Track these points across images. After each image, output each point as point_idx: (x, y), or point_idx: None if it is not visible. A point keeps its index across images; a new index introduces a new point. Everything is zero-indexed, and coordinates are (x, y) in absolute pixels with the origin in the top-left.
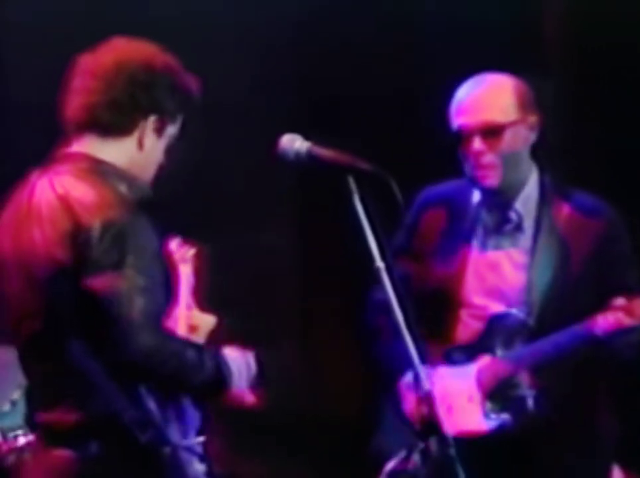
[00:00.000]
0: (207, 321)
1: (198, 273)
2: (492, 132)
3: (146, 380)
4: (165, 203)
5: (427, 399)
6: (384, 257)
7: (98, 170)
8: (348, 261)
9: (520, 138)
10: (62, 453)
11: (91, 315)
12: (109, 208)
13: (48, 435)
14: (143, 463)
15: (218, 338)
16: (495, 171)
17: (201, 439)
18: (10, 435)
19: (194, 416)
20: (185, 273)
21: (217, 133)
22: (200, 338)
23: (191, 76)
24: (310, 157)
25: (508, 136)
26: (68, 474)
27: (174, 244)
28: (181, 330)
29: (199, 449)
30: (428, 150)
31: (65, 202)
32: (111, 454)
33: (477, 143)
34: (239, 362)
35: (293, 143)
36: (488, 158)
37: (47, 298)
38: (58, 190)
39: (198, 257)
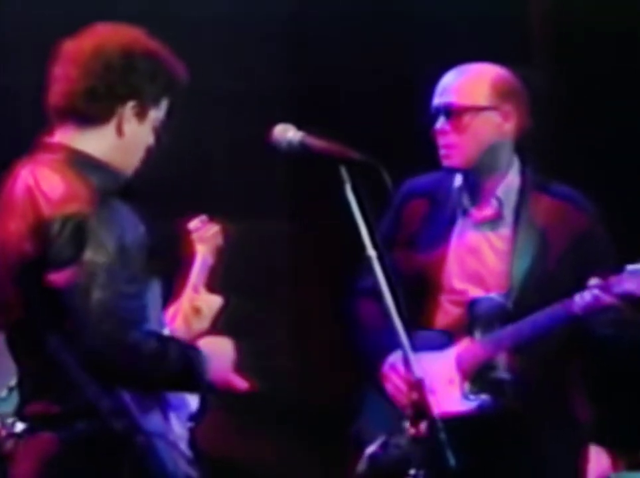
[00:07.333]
0: (213, 302)
1: (218, 252)
2: (454, 113)
3: (108, 372)
4: (156, 191)
5: (417, 385)
6: (375, 245)
7: (73, 161)
8: (341, 249)
9: (490, 124)
10: (48, 437)
11: (57, 308)
12: (72, 202)
13: (34, 424)
14: (121, 450)
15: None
16: (457, 151)
17: (189, 425)
18: (8, 421)
19: (185, 403)
20: (201, 253)
21: (210, 120)
22: (203, 319)
23: (177, 60)
24: (302, 146)
25: (472, 119)
26: (54, 457)
27: (195, 223)
28: (184, 311)
29: (183, 436)
30: (421, 140)
31: (32, 194)
32: (93, 439)
33: (440, 123)
34: (215, 350)
35: (286, 132)
36: (450, 138)
37: (21, 291)
38: (29, 182)
39: (219, 235)
